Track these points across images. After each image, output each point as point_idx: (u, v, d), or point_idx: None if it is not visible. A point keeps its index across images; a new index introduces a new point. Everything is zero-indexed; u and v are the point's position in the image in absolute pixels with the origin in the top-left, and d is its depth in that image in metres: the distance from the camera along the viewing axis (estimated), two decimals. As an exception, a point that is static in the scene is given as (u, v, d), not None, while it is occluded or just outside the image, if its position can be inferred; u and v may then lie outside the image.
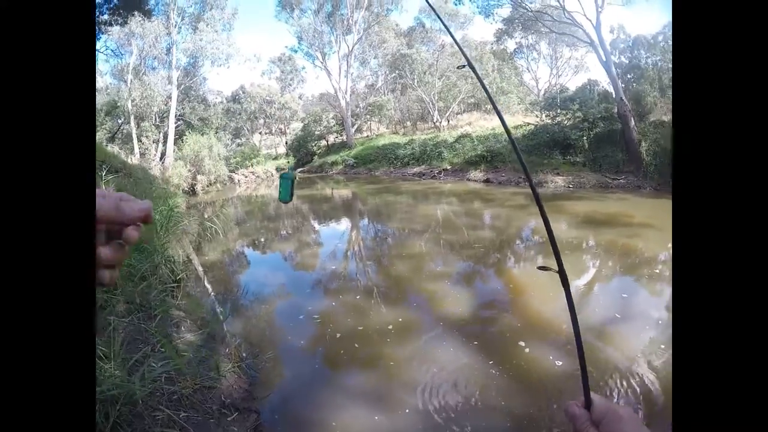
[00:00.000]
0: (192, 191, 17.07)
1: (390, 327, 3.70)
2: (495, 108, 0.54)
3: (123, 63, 20.76)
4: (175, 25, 20.64)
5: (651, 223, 7.57)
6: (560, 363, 3.07)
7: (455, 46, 25.30)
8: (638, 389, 2.75)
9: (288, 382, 3.02)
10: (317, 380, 3.03)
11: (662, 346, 3.22)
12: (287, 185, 0.72)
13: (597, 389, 2.74)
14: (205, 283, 5.53)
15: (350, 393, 2.88)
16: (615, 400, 2.69)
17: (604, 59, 13.92)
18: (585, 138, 14.00)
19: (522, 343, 3.34)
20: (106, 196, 0.45)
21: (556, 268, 0.61)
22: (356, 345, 3.44)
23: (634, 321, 3.76)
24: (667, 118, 14.50)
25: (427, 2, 0.55)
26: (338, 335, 3.59)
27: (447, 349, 3.33)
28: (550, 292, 4.37)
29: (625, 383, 2.81)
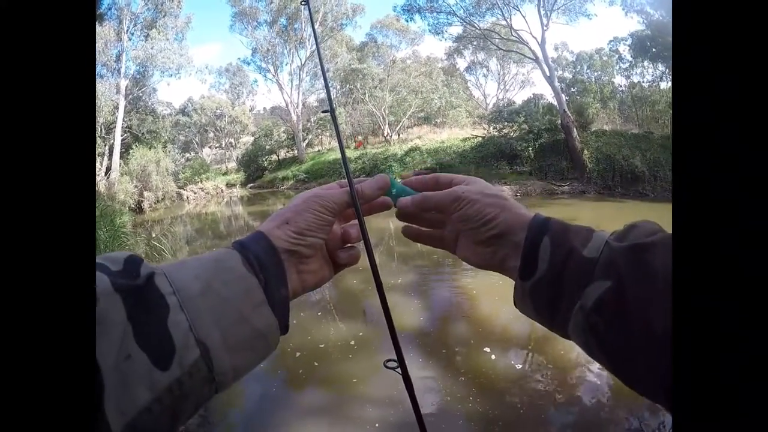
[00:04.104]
0: (139, 208, 16.29)
1: (352, 343, 3.65)
2: (336, 129, 0.53)
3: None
4: (127, 31, 19.63)
5: (596, 224, 7.91)
6: (519, 366, 3.14)
7: (406, 62, 25.87)
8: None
9: (245, 405, 2.90)
10: (276, 401, 2.93)
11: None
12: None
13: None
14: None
15: (312, 412, 2.80)
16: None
17: (548, 74, 14.63)
18: (531, 148, 14.58)
19: (487, 349, 3.39)
20: (343, 185, 0.48)
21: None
22: (316, 363, 3.36)
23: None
24: (608, 127, 15.42)
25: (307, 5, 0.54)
26: (298, 354, 3.50)
27: (415, 360, 3.31)
28: (507, 296, 4.47)
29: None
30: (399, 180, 0.51)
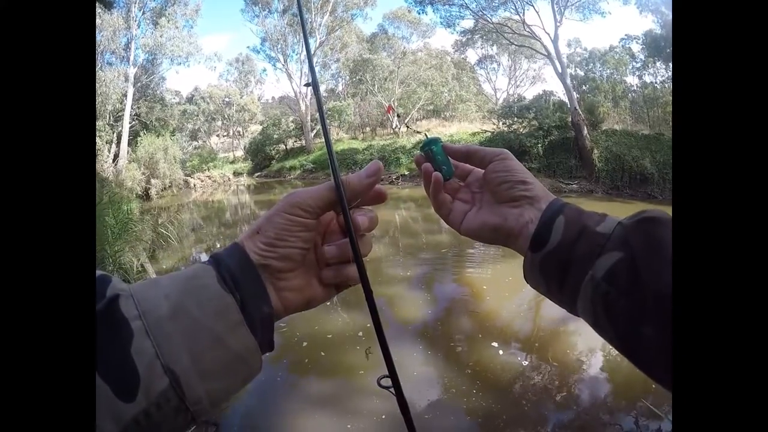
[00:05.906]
0: (146, 195, 16.36)
1: (360, 334, 3.66)
2: (323, 123, 0.47)
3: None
4: (136, 19, 19.53)
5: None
6: (526, 363, 3.14)
7: (416, 54, 25.68)
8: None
9: (251, 393, 2.92)
10: (283, 390, 2.95)
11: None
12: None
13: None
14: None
15: (317, 402, 2.83)
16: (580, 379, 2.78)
17: (560, 71, 14.49)
18: (540, 145, 14.48)
19: (495, 344, 3.39)
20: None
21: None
22: (323, 353, 3.38)
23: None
24: (619, 127, 15.27)
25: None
26: (305, 344, 3.51)
27: (424, 353, 3.32)
28: (515, 292, 4.49)
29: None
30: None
